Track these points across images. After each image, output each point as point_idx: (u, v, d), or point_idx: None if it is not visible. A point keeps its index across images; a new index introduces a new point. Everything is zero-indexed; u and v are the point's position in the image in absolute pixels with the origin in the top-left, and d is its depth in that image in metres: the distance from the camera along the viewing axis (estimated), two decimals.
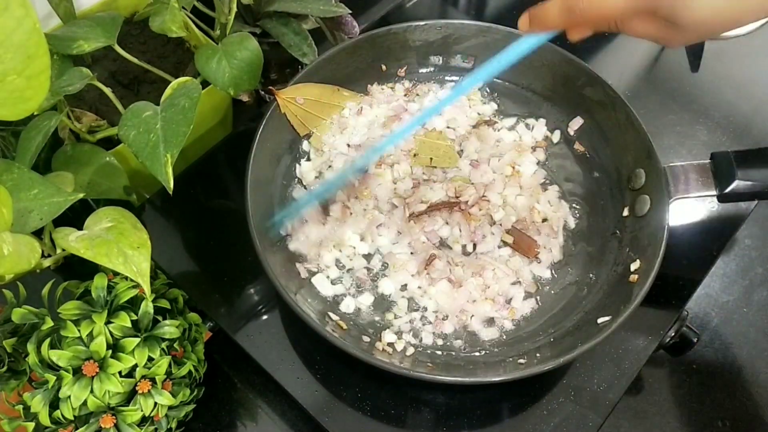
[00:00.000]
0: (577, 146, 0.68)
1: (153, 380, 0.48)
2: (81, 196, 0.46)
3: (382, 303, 0.59)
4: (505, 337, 0.57)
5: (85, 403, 0.46)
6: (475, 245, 0.61)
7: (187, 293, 0.57)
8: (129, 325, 0.48)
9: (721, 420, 0.65)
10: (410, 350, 0.55)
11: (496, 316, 0.58)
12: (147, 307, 0.49)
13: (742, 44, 0.81)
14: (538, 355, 0.54)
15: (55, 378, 0.46)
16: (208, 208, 0.66)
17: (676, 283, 0.61)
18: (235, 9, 0.60)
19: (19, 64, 0.38)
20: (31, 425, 0.48)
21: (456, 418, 0.55)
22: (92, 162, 0.56)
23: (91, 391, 0.46)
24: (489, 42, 0.69)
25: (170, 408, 0.50)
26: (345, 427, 0.54)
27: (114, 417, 0.47)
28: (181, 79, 0.53)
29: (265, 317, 0.59)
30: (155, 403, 0.48)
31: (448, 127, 0.68)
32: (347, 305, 0.58)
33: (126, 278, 0.50)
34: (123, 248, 0.46)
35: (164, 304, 0.52)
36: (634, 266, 0.56)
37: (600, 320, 0.53)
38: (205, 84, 0.57)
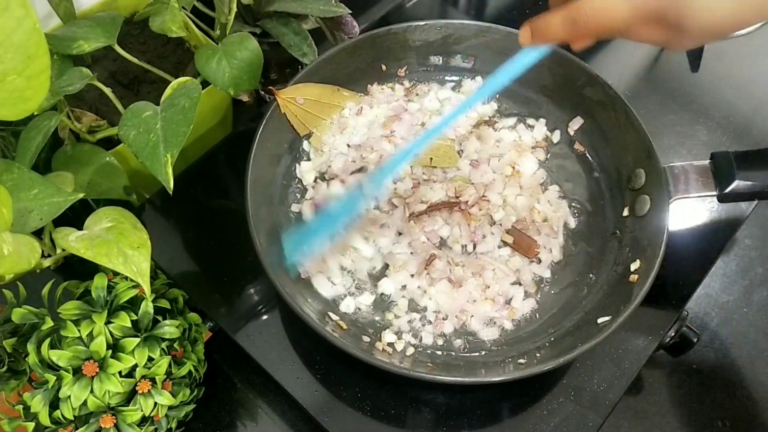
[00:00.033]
0: (577, 146, 0.68)
1: (153, 380, 0.48)
2: (81, 196, 0.46)
3: (382, 303, 0.59)
4: (505, 337, 0.57)
5: (85, 403, 0.46)
6: (475, 245, 0.61)
7: (187, 293, 0.57)
8: (129, 325, 0.48)
9: (721, 420, 0.65)
10: (410, 350, 0.55)
11: (496, 316, 0.58)
12: (147, 307, 0.49)
13: (742, 44, 0.81)
14: (538, 355, 0.54)
15: (55, 378, 0.46)
16: (208, 208, 0.66)
17: (676, 283, 0.61)
18: (235, 9, 0.60)
19: (19, 64, 0.38)
20: (31, 425, 0.48)
21: (456, 418, 0.55)
22: (92, 162, 0.56)
23: (91, 391, 0.46)
24: (489, 42, 0.69)
25: (170, 408, 0.50)
26: (345, 427, 0.54)
27: (114, 417, 0.47)
28: (181, 79, 0.53)
29: (265, 317, 0.59)
30: (155, 403, 0.48)
31: None
32: (347, 305, 0.58)
33: (126, 278, 0.50)
34: (123, 248, 0.46)
35: (164, 304, 0.52)
36: (634, 266, 0.56)
37: (600, 320, 0.53)
38: (205, 84, 0.57)
